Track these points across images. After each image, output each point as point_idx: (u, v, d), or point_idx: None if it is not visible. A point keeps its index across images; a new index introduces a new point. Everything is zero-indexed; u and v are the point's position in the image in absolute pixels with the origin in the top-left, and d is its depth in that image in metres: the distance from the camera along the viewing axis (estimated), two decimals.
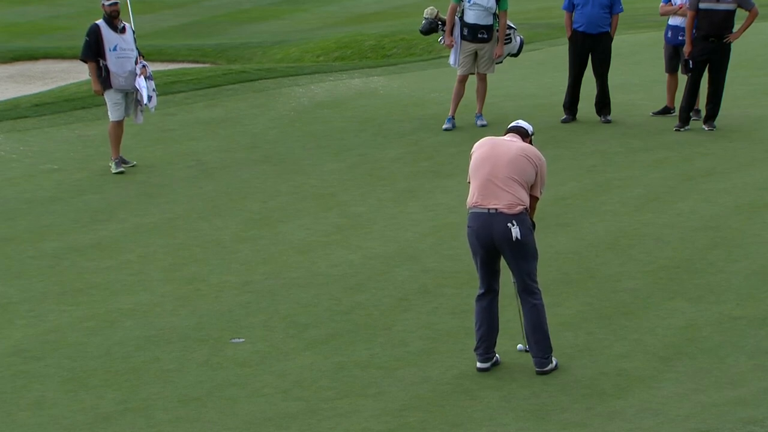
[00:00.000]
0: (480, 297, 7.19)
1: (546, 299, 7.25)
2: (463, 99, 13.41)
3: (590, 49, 13.26)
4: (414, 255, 9.35)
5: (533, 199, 7.13)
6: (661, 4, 13.56)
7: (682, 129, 12.91)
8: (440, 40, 13.42)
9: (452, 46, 13.20)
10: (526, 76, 16.65)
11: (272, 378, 7.21)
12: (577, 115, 13.56)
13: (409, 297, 8.46)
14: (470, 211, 7.07)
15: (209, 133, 13.72)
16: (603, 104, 13.51)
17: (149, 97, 11.92)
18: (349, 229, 10.11)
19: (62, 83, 19.93)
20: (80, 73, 21.91)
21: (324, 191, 11.27)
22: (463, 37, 13.14)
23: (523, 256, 7.01)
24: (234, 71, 17.27)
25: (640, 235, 9.62)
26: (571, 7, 13.28)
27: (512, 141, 7.16)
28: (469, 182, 7.15)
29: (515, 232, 6.90)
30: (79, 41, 12.10)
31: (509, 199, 6.94)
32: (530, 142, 7.25)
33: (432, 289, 8.56)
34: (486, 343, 7.17)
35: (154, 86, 12.07)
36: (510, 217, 6.91)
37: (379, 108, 14.65)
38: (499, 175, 6.96)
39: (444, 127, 13.32)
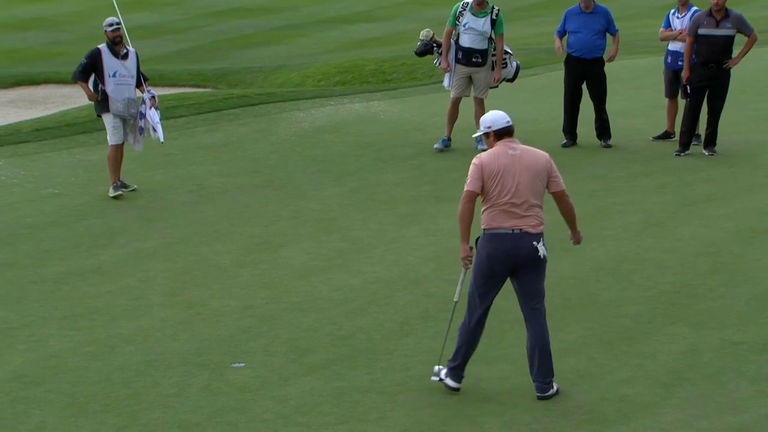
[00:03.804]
0: (479, 317, 7.16)
1: (548, 324, 7.25)
2: (463, 123, 13.44)
3: (584, 73, 13.33)
4: (415, 279, 9.35)
5: (563, 195, 7.14)
6: (661, 29, 13.64)
7: (682, 154, 12.94)
8: (436, 63, 13.51)
9: (449, 69, 13.24)
10: (526, 101, 16.70)
11: (273, 403, 7.20)
12: (578, 140, 13.60)
13: (411, 321, 8.46)
14: (490, 231, 7.05)
15: (210, 158, 13.75)
16: (603, 129, 13.55)
17: (154, 128, 11.91)
18: (351, 253, 10.11)
19: (63, 108, 19.95)
20: (81, 97, 21.88)
21: (325, 215, 11.28)
22: (457, 61, 13.19)
23: (540, 275, 7.10)
24: (235, 96, 17.32)
25: (641, 260, 9.63)
26: (563, 33, 13.42)
27: (519, 154, 7.11)
28: (469, 190, 7.01)
29: (542, 250, 7.01)
30: None
31: (533, 221, 7.03)
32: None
33: (434, 314, 8.56)
34: (465, 361, 7.18)
35: (159, 116, 12.08)
36: (536, 237, 7.01)
37: (380, 132, 14.69)
38: (521, 202, 7.01)
39: (436, 146, 13.33)
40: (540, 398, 7.09)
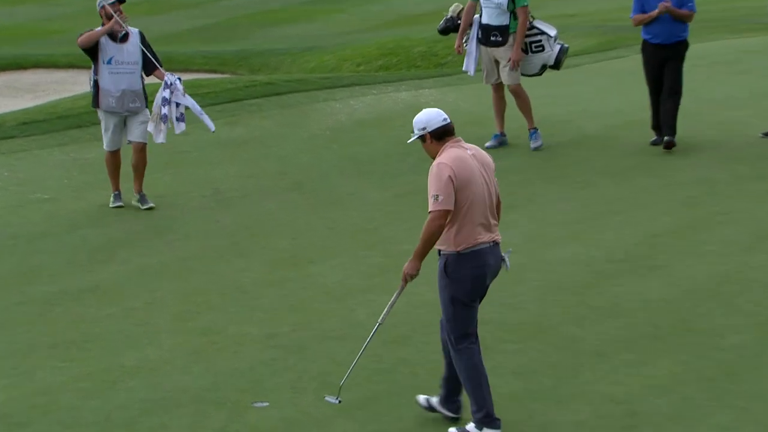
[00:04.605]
0: (474, 343, 7.22)
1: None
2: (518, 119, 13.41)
3: (665, 59, 13.21)
4: None
5: (499, 199, 7.33)
6: None
7: None
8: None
9: (460, 50, 13.32)
10: (608, 89, 16.64)
11: None
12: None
13: None
14: (470, 249, 7.11)
15: (229, 157, 13.85)
16: (667, 120, 13.27)
17: (179, 118, 11.89)
18: (394, 270, 10.08)
19: (55, 97, 20.21)
20: (76, 84, 22.27)
21: (365, 226, 11.32)
22: (478, 41, 13.22)
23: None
24: (258, 83, 17.44)
25: (747, 280, 9.56)
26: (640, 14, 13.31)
27: (475, 154, 7.23)
28: (446, 209, 7.05)
29: (509, 262, 7.27)
30: (76, 47, 12.21)
31: (496, 229, 7.26)
32: None
33: (490, 344, 8.52)
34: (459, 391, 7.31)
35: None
36: (499, 247, 7.26)
37: None
38: (488, 212, 7.18)
39: (487, 144, 13.27)
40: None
